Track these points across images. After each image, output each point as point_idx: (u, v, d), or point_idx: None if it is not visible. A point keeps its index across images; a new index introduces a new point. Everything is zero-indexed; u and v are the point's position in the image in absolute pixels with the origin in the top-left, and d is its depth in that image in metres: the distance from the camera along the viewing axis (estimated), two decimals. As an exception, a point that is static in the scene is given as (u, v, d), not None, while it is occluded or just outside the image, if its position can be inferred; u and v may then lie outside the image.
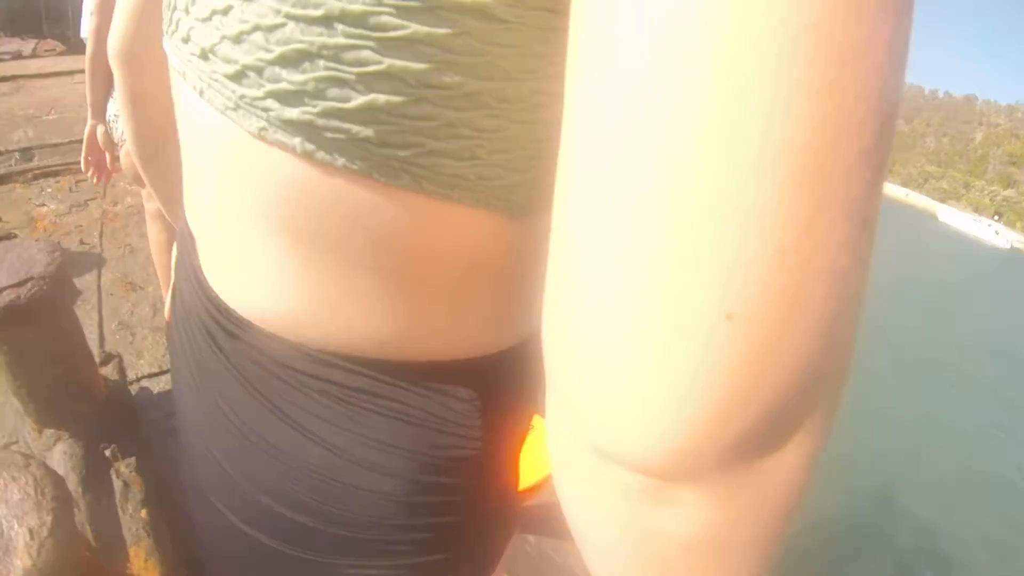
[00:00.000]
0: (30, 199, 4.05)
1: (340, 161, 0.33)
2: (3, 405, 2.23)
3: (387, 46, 0.29)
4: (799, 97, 0.19)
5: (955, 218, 68.84)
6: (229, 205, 0.42)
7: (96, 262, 3.26)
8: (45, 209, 3.86)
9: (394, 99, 0.31)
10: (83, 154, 1.80)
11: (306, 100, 0.32)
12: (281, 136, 0.33)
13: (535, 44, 0.30)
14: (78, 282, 2.95)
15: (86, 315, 2.72)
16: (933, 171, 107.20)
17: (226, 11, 0.32)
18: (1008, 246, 62.83)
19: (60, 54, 11.06)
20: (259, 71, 0.32)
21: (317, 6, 0.29)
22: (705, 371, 0.22)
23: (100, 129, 1.76)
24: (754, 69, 0.19)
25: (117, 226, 3.74)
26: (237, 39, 0.32)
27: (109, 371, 2.05)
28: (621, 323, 0.23)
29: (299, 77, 0.31)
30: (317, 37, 0.30)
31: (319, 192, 0.35)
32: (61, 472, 1.60)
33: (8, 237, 3.46)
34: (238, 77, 0.33)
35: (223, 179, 0.41)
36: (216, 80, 0.35)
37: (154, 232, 2.04)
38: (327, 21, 0.29)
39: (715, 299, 0.21)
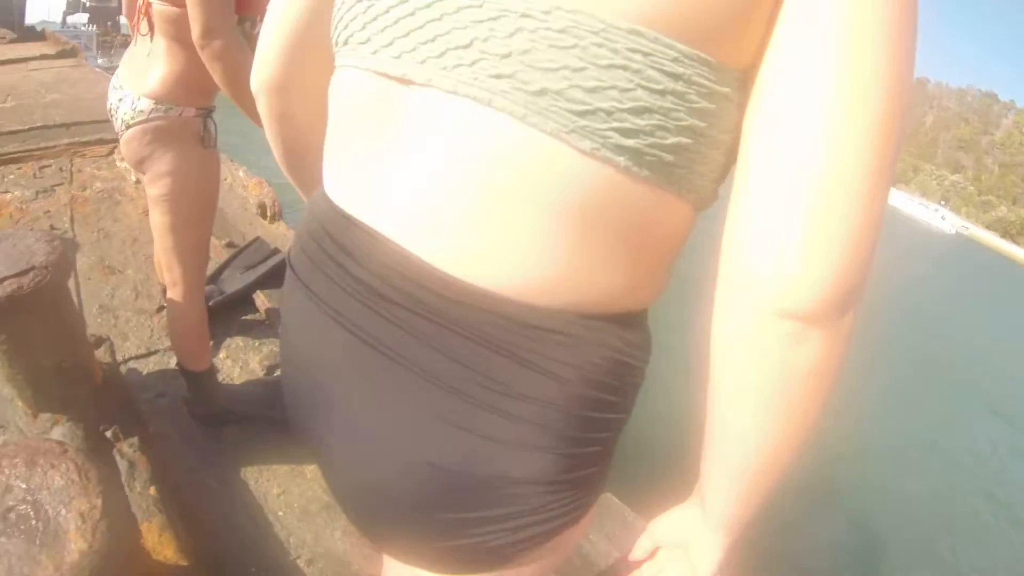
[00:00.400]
0: (-9, 186, 3.87)
1: (645, 173, 0.51)
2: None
3: (691, 112, 0.50)
4: (889, 117, 0.46)
5: (903, 202, 70.40)
6: (497, 193, 0.53)
7: (70, 247, 3.12)
8: (9, 196, 3.66)
9: (687, 141, 0.51)
10: None
11: (640, 136, 0.49)
12: (609, 155, 0.50)
13: (738, 112, 0.52)
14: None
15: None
16: None
17: (580, 71, 0.47)
18: (953, 231, 64.95)
19: (10, 42, 10.76)
20: (609, 113, 0.48)
21: (658, 83, 0.48)
22: (841, 255, 0.46)
23: None
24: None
25: (88, 211, 3.58)
26: (592, 90, 0.48)
27: (101, 354, 1.97)
28: (795, 226, 0.46)
29: (640, 122, 0.49)
30: (656, 101, 0.48)
31: (614, 192, 0.52)
32: None
33: (-29, 225, 3.34)
34: (585, 114, 0.48)
35: (501, 174, 0.52)
36: (553, 111, 0.49)
37: None
38: (663, 94, 0.48)
39: (849, 215, 0.46)
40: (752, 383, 0.52)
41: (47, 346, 1.59)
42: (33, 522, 0.92)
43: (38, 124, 4.95)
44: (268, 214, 3.08)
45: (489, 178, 0.53)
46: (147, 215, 3.46)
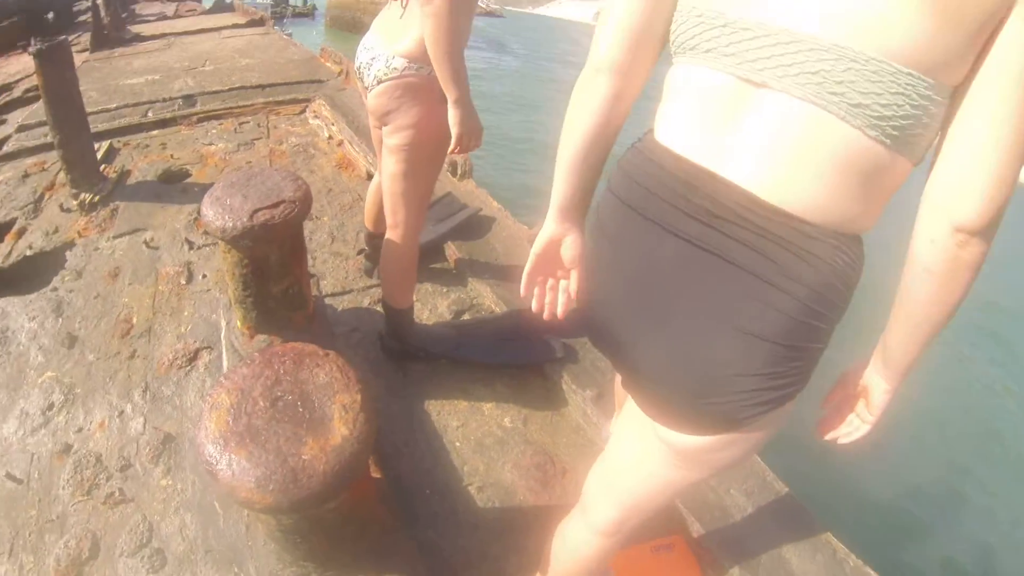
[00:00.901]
0: (197, 139, 4.27)
1: (901, 149, 0.81)
2: (193, 315, 2.41)
3: (929, 115, 0.78)
4: None
5: None
6: (810, 155, 0.82)
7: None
8: (214, 148, 4.05)
9: (922, 131, 0.80)
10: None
11: (904, 130, 0.79)
12: (886, 140, 0.80)
13: (946, 110, 0.80)
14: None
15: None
16: None
17: (879, 95, 0.77)
18: None
19: (201, 14, 11.67)
20: (890, 118, 0.78)
21: (916, 102, 0.77)
22: (999, 204, 0.77)
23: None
24: None
25: (285, 163, 3.88)
26: (885, 105, 0.77)
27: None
28: (978, 181, 0.77)
29: (904, 123, 0.78)
30: (913, 111, 0.77)
31: (882, 159, 0.81)
32: None
33: (183, 172, 3.67)
34: (881, 118, 0.78)
35: (818, 146, 0.82)
36: (861, 116, 0.79)
37: None
38: (917, 107, 0.77)
39: (1009, 182, 0.77)
40: (937, 267, 0.83)
41: (280, 273, 1.77)
42: (300, 409, 1.03)
43: (236, 85, 5.38)
44: (459, 172, 3.20)
45: (811, 146, 0.82)
46: (340, 168, 3.71)
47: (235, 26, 9.12)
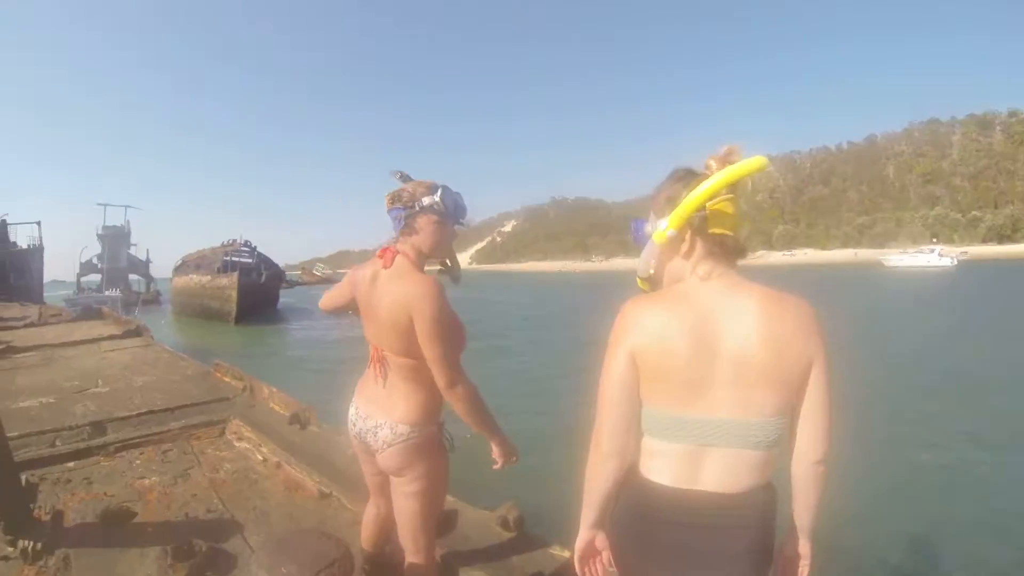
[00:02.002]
0: (124, 472, 4.30)
1: (776, 447, 1.62)
2: None
3: (787, 425, 1.61)
4: None
5: (899, 259, 70.35)
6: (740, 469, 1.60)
7: (235, 527, 3.53)
8: (148, 482, 4.11)
9: (788, 432, 1.64)
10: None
11: (773, 439, 1.61)
12: (764, 448, 1.61)
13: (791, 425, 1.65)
14: (227, 547, 3.28)
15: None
16: (864, 221, 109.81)
17: (725, 435, 1.62)
18: (954, 262, 64.54)
19: (69, 320, 11.59)
20: (772, 446, 1.63)
21: (776, 433, 1.60)
22: (827, 442, 1.61)
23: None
24: None
25: (232, 491, 4.03)
26: (762, 428, 1.60)
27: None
28: (822, 441, 1.61)
29: (777, 434, 1.61)
30: (783, 426, 1.62)
31: (767, 457, 1.63)
32: None
33: (128, 512, 3.68)
34: (762, 444, 1.60)
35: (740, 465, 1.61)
36: (750, 442, 1.58)
37: None
38: (778, 436, 1.62)
39: (829, 437, 1.62)
40: (809, 480, 1.63)
41: None
42: None
43: (143, 410, 5.52)
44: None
45: (739, 465, 1.58)
46: (289, 491, 3.92)
47: (112, 337, 9.21)
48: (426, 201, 2.29)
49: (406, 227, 2.32)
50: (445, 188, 2.32)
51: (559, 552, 3.28)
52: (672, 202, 1.63)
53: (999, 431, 9.56)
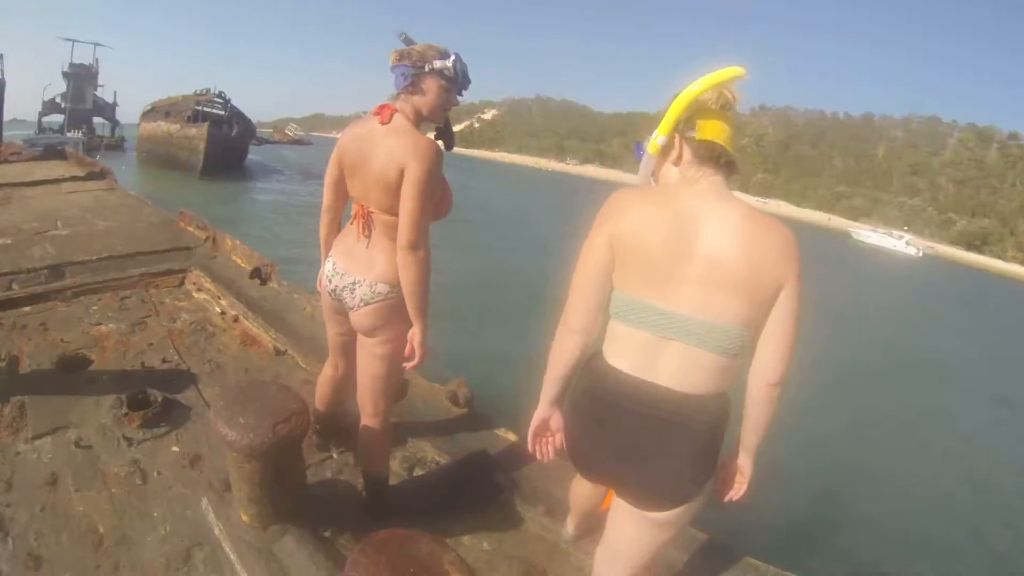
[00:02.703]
0: (81, 318, 4.23)
1: (737, 356, 1.66)
2: (166, 514, 2.51)
3: (751, 337, 1.63)
4: None
5: (868, 235, 71.37)
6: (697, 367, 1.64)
7: (190, 379, 3.54)
8: (104, 328, 4.07)
9: (750, 344, 1.64)
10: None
11: (740, 351, 1.64)
12: (726, 354, 1.65)
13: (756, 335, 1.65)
14: (182, 399, 3.26)
15: (203, 428, 3.03)
16: (843, 191, 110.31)
17: (688, 334, 1.62)
18: (919, 254, 65.40)
19: (30, 159, 11.15)
20: (736, 352, 1.65)
21: (739, 340, 1.62)
22: (788, 366, 1.65)
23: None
24: None
25: (189, 343, 4.01)
26: (726, 333, 1.62)
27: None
28: (781, 358, 1.64)
29: (736, 346, 1.63)
30: (736, 345, 1.63)
31: (727, 362, 1.64)
32: (300, 554, 2.12)
33: (84, 359, 3.66)
34: (730, 350, 1.65)
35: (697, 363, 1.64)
36: (711, 343, 1.61)
37: None
38: (739, 343, 1.63)
39: (791, 357, 1.64)
40: (762, 400, 1.67)
41: (292, 472, 2.16)
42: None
43: (104, 255, 5.38)
44: (461, 401, 3.55)
45: (697, 364, 1.61)
46: (245, 345, 3.94)
47: (74, 179, 8.90)
48: (437, 64, 2.20)
49: (411, 86, 2.21)
50: (458, 55, 2.24)
51: (505, 434, 3.34)
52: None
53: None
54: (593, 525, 2.45)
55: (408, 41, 2.25)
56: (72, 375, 3.49)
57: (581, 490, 2.35)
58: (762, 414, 1.71)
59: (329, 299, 2.49)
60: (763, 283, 1.56)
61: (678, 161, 1.70)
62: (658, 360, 1.62)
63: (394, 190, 2.18)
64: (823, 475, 7.22)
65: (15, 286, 4.65)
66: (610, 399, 1.69)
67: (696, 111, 1.64)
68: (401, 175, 2.14)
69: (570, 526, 2.57)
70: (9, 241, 5.71)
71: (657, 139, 1.70)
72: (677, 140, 1.69)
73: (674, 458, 1.65)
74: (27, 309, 4.31)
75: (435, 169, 2.17)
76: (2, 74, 37.94)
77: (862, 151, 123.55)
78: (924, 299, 28.90)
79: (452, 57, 2.22)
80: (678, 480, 1.67)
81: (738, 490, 1.88)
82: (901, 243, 66.74)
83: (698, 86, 1.60)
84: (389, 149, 2.17)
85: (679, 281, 1.57)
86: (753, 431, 1.77)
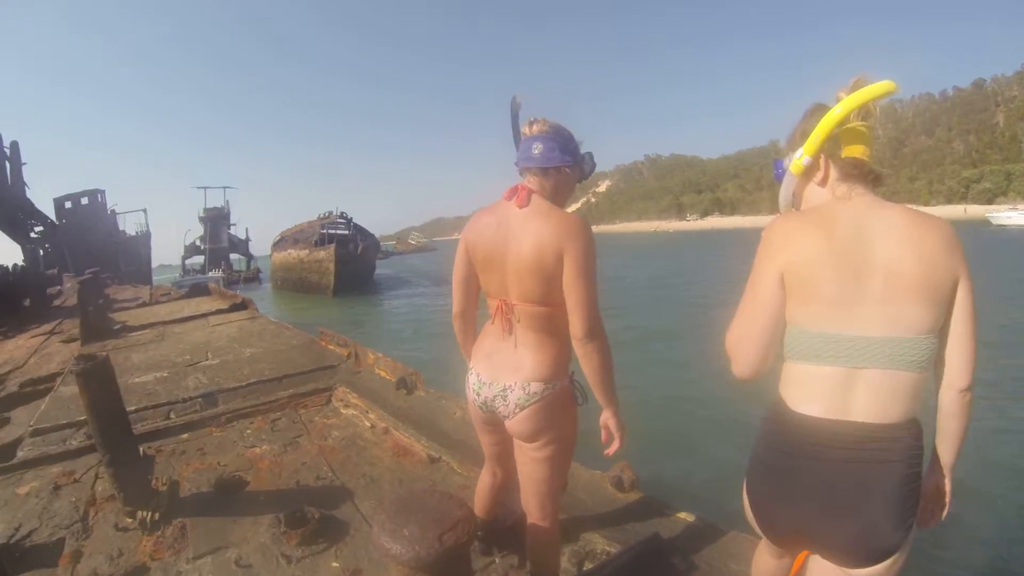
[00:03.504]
0: (235, 442, 4.34)
1: (926, 368, 1.57)
2: None
3: (935, 345, 1.54)
4: None
5: (1009, 215, 63.02)
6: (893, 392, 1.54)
7: (346, 494, 3.47)
8: (258, 450, 4.12)
9: (936, 351, 1.59)
10: None
11: (926, 364, 1.54)
12: (917, 368, 1.55)
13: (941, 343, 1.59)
14: (338, 514, 3.19)
15: (362, 542, 2.93)
16: (971, 175, 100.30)
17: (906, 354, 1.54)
18: None
19: (178, 298, 12.09)
20: (923, 362, 1.54)
21: (932, 350, 1.54)
22: (973, 372, 1.59)
23: None
24: None
25: (342, 458, 3.97)
26: (914, 346, 1.52)
27: None
28: (966, 365, 1.57)
29: (928, 353, 1.53)
30: (929, 354, 1.54)
31: (917, 378, 1.55)
32: None
33: (240, 481, 3.70)
34: (915, 362, 1.53)
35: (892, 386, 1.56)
36: (903, 361, 1.52)
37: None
38: (930, 351, 1.55)
39: (974, 359, 1.58)
40: (956, 409, 1.58)
41: None
42: None
43: (252, 380, 5.58)
44: (626, 486, 3.42)
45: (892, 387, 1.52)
46: (397, 456, 3.85)
47: (219, 311, 9.52)
48: (583, 153, 2.19)
49: (552, 170, 2.13)
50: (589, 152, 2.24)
51: (677, 514, 3.07)
52: (807, 136, 1.65)
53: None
54: None
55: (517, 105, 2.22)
56: (230, 496, 3.52)
57: (767, 562, 2.09)
58: (958, 425, 1.62)
59: (480, 412, 2.33)
60: (941, 281, 1.49)
61: (824, 181, 1.67)
62: (852, 394, 1.53)
63: (548, 275, 2.04)
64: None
65: (172, 415, 4.89)
66: (804, 450, 1.58)
67: (840, 127, 1.61)
68: (559, 259, 2.01)
69: None
70: (165, 374, 6.05)
71: (802, 159, 1.66)
72: (823, 160, 1.65)
73: (880, 501, 1.51)
74: (185, 436, 4.49)
75: (594, 246, 2.05)
76: (147, 225, 42.12)
77: (981, 125, 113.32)
78: None
79: (588, 152, 2.21)
80: (886, 525, 1.52)
81: (940, 514, 1.77)
82: None
83: (845, 106, 1.57)
84: (540, 231, 2.04)
85: (860, 302, 1.50)
86: (950, 444, 1.67)
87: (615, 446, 2.25)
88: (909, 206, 1.60)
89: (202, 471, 3.85)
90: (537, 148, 2.12)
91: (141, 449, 4.05)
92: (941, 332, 1.53)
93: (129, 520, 3.27)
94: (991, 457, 6.62)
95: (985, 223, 61.68)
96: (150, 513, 3.27)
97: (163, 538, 3.12)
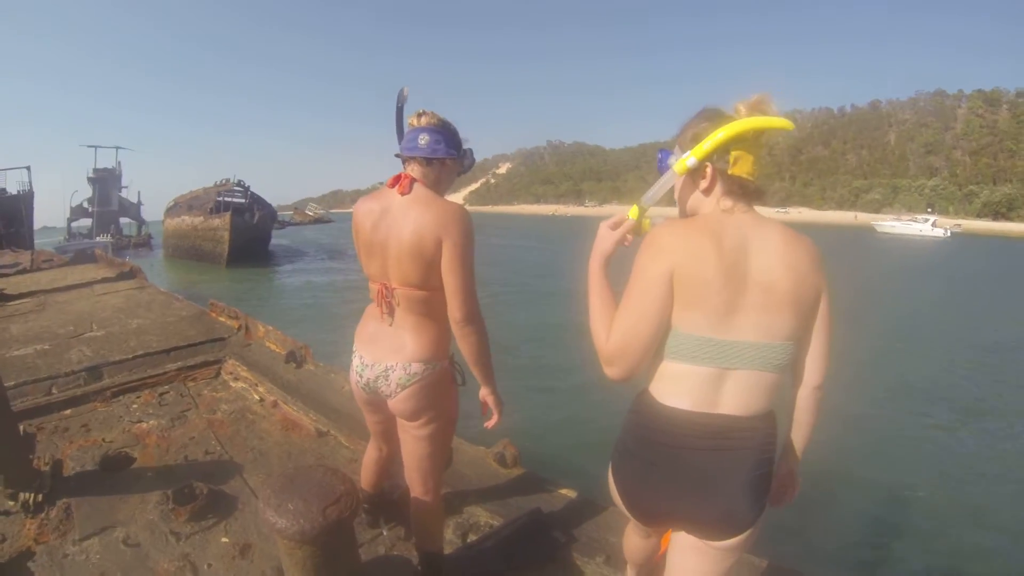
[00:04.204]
0: (121, 417, 4.27)
1: (785, 370, 1.73)
2: None
3: (797, 350, 1.71)
4: None
5: (893, 225, 68.96)
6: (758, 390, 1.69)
7: (234, 468, 3.52)
8: (145, 425, 4.08)
9: (797, 356, 1.76)
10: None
11: (786, 367, 1.70)
12: (778, 371, 1.70)
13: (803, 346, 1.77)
14: (227, 489, 3.24)
15: (252, 517, 3.00)
16: (861, 185, 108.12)
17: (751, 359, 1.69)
18: (947, 234, 62.88)
19: (61, 265, 11.47)
20: (785, 367, 1.71)
21: (790, 357, 1.69)
22: (827, 372, 1.80)
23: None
24: None
25: (229, 432, 4.00)
26: (778, 351, 1.67)
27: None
28: (821, 365, 1.77)
29: (789, 357, 1.69)
30: (793, 350, 1.69)
31: (778, 379, 1.70)
32: None
33: (127, 458, 3.66)
34: (776, 363, 1.69)
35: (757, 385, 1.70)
36: (769, 364, 1.66)
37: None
38: (788, 360, 1.70)
39: (828, 363, 1.78)
40: (808, 405, 1.80)
41: (346, 555, 2.09)
42: None
43: (139, 352, 5.46)
44: (508, 462, 3.52)
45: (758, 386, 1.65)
46: (287, 430, 3.92)
47: (105, 280, 9.11)
48: (465, 148, 2.29)
49: (436, 161, 2.23)
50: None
51: (557, 488, 3.27)
52: (698, 139, 1.67)
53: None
54: (652, 573, 2.39)
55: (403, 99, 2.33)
56: (116, 474, 3.49)
57: (635, 541, 2.29)
58: (810, 418, 1.83)
59: (363, 393, 2.43)
60: (807, 295, 1.65)
61: (708, 191, 1.71)
62: (721, 391, 1.65)
63: (427, 261, 2.14)
64: (867, 485, 7.00)
65: (54, 390, 4.72)
66: (669, 440, 1.70)
67: (733, 142, 1.64)
68: (438, 246, 2.12)
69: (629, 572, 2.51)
70: (47, 346, 5.82)
71: (687, 160, 1.68)
72: (710, 169, 1.68)
73: (739, 483, 1.66)
74: (68, 412, 4.36)
75: (473, 234, 2.17)
76: (30, 184, 39.28)
77: (874, 142, 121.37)
78: (953, 280, 27.65)
79: (470, 148, 2.32)
80: (744, 504, 1.67)
81: (791, 495, 1.98)
82: (927, 226, 64.62)
83: (744, 124, 1.60)
84: (421, 218, 2.13)
85: (737, 310, 1.61)
86: (802, 435, 1.88)
87: (494, 419, 2.42)
88: (777, 216, 1.80)
89: (87, 448, 3.78)
90: (424, 139, 2.20)
91: (21, 427, 3.92)
92: (802, 338, 1.71)
93: (11, 503, 3.19)
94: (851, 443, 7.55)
95: (871, 230, 67.48)
96: (32, 495, 3.20)
97: (47, 520, 3.07)
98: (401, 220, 2.16)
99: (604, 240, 1.81)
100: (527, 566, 2.72)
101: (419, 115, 2.26)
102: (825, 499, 6.13)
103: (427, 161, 2.21)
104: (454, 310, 2.17)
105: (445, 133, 2.23)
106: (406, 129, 2.29)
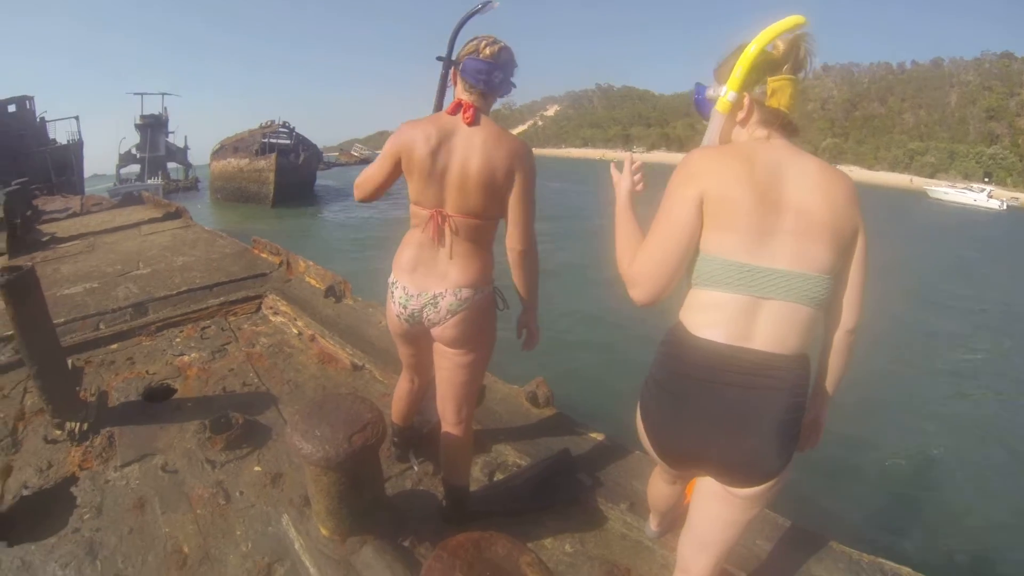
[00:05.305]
0: (164, 350, 4.36)
1: (822, 306, 1.64)
2: (248, 532, 2.51)
3: (834, 286, 1.61)
4: None
5: (947, 191, 65.03)
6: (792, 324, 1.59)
7: (270, 400, 3.56)
8: (187, 358, 4.17)
9: (835, 292, 1.67)
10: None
11: (824, 301, 1.61)
12: (817, 307, 1.62)
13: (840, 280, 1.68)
14: (262, 419, 3.27)
15: (284, 447, 3.03)
16: (917, 147, 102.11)
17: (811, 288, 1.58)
18: (1003, 206, 59.06)
19: (110, 208, 11.71)
20: (823, 299, 1.61)
21: (828, 289, 1.60)
22: (860, 311, 1.72)
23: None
24: None
25: (268, 365, 4.05)
26: (814, 283, 1.58)
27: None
28: (857, 306, 1.71)
29: (825, 296, 1.62)
30: (826, 293, 1.60)
31: (814, 314, 1.61)
32: (378, 565, 2.02)
33: (168, 389, 3.75)
34: (817, 299, 1.61)
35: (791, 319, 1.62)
36: (804, 296, 1.58)
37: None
38: (828, 290, 1.61)
39: (863, 305, 1.71)
40: (842, 348, 1.73)
41: (371, 482, 2.10)
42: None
43: (183, 288, 5.54)
44: (540, 402, 3.49)
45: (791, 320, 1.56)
46: (323, 363, 3.93)
47: (152, 220, 9.29)
48: (512, 75, 2.25)
49: (499, 90, 2.22)
50: None
51: (587, 432, 3.21)
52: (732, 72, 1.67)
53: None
54: (676, 521, 2.36)
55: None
56: (157, 405, 3.58)
57: (661, 488, 2.23)
58: (841, 361, 1.76)
59: (404, 324, 2.35)
60: (844, 228, 1.57)
61: (745, 122, 1.71)
62: (755, 323, 1.57)
63: (494, 194, 2.15)
64: (901, 456, 6.88)
65: (102, 326, 4.85)
66: (702, 375, 1.60)
67: (767, 68, 1.64)
68: (509, 179, 2.14)
69: (652, 524, 2.48)
70: (95, 285, 5.96)
71: (727, 95, 1.68)
72: (747, 100, 1.67)
73: (769, 425, 1.56)
74: (114, 346, 4.48)
75: (535, 170, 2.23)
76: (79, 134, 40.02)
77: (934, 102, 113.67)
78: (1009, 255, 26.09)
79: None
80: (772, 448, 1.58)
81: (815, 440, 1.92)
82: (982, 196, 60.87)
83: (758, 42, 1.60)
84: (491, 152, 2.11)
85: (772, 235, 1.54)
86: (831, 380, 1.80)
87: (535, 341, 2.49)
88: (820, 159, 1.66)
89: (131, 380, 3.88)
90: (498, 76, 2.17)
91: (70, 361, 4.02)
92: (840, 275, 1.62)
93: (58, 432, 3.30)
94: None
95: (924, 195, 63.70)
96: (78, 424, 3.30)
97: (91, 448, 3.17)
98: (467, 149, 2.14)
99: (619, 183, 1.88)
100: (551, 507, 2.69)
101: (493, 44, 2.16)
102: (854, 460, 6.11)
103: (486, 95, 2.20)
104: (517, 240, 2.23)
105: (512, 68, 2.22)
106: (462, 39, 2.28)
